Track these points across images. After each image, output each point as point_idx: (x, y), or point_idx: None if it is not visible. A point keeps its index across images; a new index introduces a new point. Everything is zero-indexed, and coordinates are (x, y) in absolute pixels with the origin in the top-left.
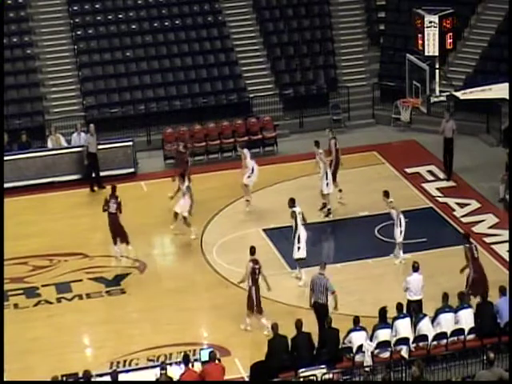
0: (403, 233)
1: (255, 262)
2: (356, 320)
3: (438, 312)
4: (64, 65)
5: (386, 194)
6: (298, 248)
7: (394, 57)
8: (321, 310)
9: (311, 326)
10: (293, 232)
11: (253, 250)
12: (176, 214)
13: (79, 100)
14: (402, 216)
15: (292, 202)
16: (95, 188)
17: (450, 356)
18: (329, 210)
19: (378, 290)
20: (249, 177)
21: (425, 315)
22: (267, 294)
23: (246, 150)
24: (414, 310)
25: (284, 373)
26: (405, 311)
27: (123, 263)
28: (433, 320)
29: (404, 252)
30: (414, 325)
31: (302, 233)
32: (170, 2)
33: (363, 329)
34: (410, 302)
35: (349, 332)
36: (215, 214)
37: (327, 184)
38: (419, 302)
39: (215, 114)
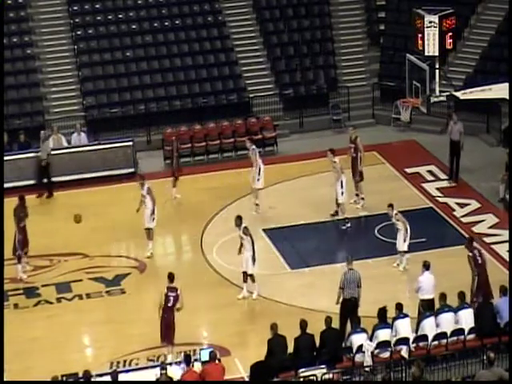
0: (407, 242)
1: (171, 289)
2: (356, 321)
3: (437, 312)
4: (64, 65)
5: (391, 206)
6: (254, 260)
7: (394, 57)
8: (355, 305)
9: (311, 326)
10: (252, 248)
11: (171, 277)
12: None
13: (79, 100)
14: (408, 227)
15: (240, 220)
16: (45, 194)
17: (450, 356)
18: (344, 219)
19: (378, 289)
20: (258, 180)
21: (431, 314)
22: (268, 293)
23: (254, 147)
24: (422, 306)
25: (284, 373)
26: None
27: (123, 263)
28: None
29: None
30: (418, 322)
31: (255, 247)
32: (170, 2)
33: (364, 330)
34: (422, 301)
35: (349, 335)
36: (215, 213)
37: (342, 193)
38: (431, 301)
39: (215, 114)
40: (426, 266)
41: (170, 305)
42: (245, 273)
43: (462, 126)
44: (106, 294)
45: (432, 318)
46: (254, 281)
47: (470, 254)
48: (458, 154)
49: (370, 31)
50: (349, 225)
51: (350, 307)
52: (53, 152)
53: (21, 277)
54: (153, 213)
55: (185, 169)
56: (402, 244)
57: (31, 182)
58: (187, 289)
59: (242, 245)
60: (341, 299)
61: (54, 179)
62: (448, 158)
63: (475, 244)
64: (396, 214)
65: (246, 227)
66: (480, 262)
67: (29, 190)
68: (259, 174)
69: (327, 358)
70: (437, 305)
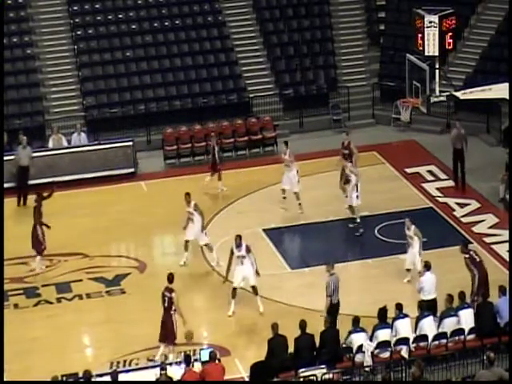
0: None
1: (168, 290)
2: (356, 320)
3: (442, 316)
4: (64, 65)
5: (411, 221)
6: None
7: (394, 57)
8: (337, 309)
9: (311, 326)
10: (255, 262)
11: (170, 278)
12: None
13: (79, 100)
14: (421, 242)
15: (240, 239)
16: (21, 203)
17: (450, 356)
18: (358, 223)
19: (378, 289)
20: (298, 181)
21: (429, 314)
22: (268, 293)
23: (289, 151)
24: (420, 307)
25: (284, 373)
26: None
27: (123, 263)
28: (438, 325)
29: (404, 252)
30: (416, 322)
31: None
32: (170, 2)
33: (363, 330)
34: (422, 301)
35: (349, 334)
36: (215, 213)
37: (357, 196)
38: (434, 302)
39: (215, 114)
40: (427, 267)
41: (166, 305)
42: (235, 289)
43: (464, 133)
44: (106, 294)
45: (430, 318)
46: (256, 293)
47: (467, 255)
48: (462, 161)
49: (369, 31)
50: (362, 230)
51: (336, 311)
52: (53, 152)
53: (40, 268)
54: (203, 228)
55: (185, 169)
56: (418, 262)
57: (32, 181)
58: (187, 289)
59: (229, 267)
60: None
61: (54, 179)
62: (452, 165)
63: (470, 246)
64: (415, 229)
65: (247, 245)
66: (478, 260)
67: (29, 190)
68: (298, 175)
69: (327, 358)
70: (441, 305)
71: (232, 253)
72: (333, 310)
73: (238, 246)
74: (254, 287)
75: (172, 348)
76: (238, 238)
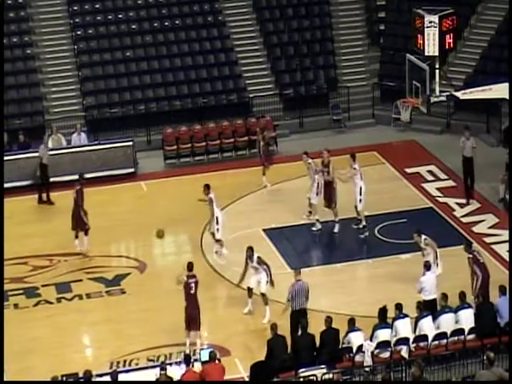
0: (440, 265)
1: (191, 277)
2: (351, 320)
3: (437, 314)
4: (64, 65)
5: (418, 233)
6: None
7: (394, 57)
8: (303, 315)
9: (311, 326)
10: (270, 274)
11: (190, 266)
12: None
13: (79, 100)
14: (437, 250)
15: (251, 251)
16: (44, 199)
17: (450, 356)
18: (364, 226)
19: (378, 289)
20: (317, 194)
21: (428, 314)
22: (268, 293)
23: (311, 161)
24: (418, 307)
25: (284, 373)
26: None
27: (123, 263)
28: (433, 321)
29: (404, 252)
30: (415, 322)
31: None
32: (170, 2)
33: (360, 329)
34: (425, 301)
35: (347, 333)
36: None
37: (360, 200)
38: (434, 301)
39: (215, 114)
40: (427, 267)
41: (192, 292)
42: (250, 288)
43: (474, 141)
44: (106, 294)
45: (429, 318)
46: (266, 303)
47: (470, 255)
48: (472, 171)
49: (370, 31)
50: (367, 234)
51: (297, 317)
52: (53, 152)
53: (81, 250)
54: (217, 222)
55: (185, 169)
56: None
57: (31, 181)
58: None
59: (243, 274)
60: (289, 311)
61: (54, 179)
62: (462, 176)
63: (473, 247)
64: (425, 239)
65: (259, 257)
66: (481, 260)
67: (29, 190)
68: (317, 188)
69: (327, 358)
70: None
71: (247, 262)
72: (295, 316)
73: (249, 257)
74: (263, 295)
75: (199, 334)
76: (250, 249)
